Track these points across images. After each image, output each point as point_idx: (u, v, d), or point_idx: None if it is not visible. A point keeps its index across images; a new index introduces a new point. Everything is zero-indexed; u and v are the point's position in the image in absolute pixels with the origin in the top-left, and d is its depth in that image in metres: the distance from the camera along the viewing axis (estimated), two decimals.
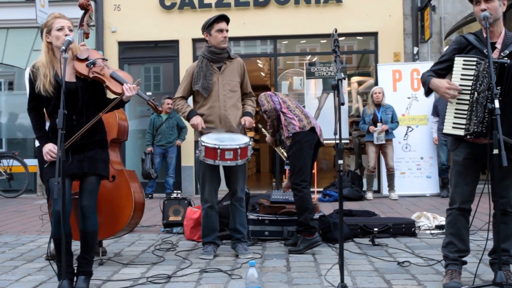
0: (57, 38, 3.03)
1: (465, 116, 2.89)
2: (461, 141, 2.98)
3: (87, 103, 3.10)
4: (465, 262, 3.08)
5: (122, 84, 3.08)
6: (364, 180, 8.12)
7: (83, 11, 4.06)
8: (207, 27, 4.08)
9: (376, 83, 8.51)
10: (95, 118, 3.09)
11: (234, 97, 4.10)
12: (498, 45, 2.95)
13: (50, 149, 3.01)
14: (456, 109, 2.92)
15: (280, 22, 8.75)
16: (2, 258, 4.13)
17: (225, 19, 4.09)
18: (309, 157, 4.16)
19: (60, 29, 3.04)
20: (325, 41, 9.45)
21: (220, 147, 3.80)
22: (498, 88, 2.78)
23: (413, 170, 8.07)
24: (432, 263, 3.60)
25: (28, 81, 3.16)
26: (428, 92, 3.12)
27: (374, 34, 8.78)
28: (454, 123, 2.92)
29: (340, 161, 2.76)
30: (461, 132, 2.91)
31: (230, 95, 4.07)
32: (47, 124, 3.18)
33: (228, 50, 4.13)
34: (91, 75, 3.06)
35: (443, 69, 3.07)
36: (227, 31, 4.08)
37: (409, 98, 8.14)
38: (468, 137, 2.91)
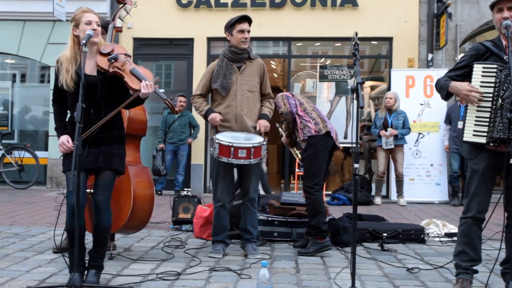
0: (84, 32, 3.00)
1: (486, 124, 2.86)
2: (481, 149, 2.94)
3: (106, 98, 3.10)
4: (476, 271, 3.06)
5: (141, 81, 3.06)
6: (373, 185, 8.10)
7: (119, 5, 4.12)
8: (229, 26, 4.09)
9: (389, 88, 8.49)
10: (112, 112, 3.06)
11: (252, 98, 4.10)
12: None
13: (63, 142, 3.03)
14: (476, 116, 2.89)
15: (296, 23, 8.75)
16: (13, 249, 4.17)
17: (248, 20, 4.10)
18: (324, 161, 4.15)
19: (88, 23, 3.04)
20: (339, 44, 9.43)
21: (234, 145, 3.82)
22: None
23: (422, 177, 8.04)
24: (438, 268, 3.58)
25: (54, 73, 3.17)
26: (447, 96, 3.10)
27: (389, 39, 8.76)
28: (475, 130, 2.88)
29: (356, 165, 2.76)
30: (483, 140, 2.87)
31: (247, 95, 4.08)
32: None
33: (248, 50, 4.14)
34: (111, 70, 3.05)
35: (460, 75, 3.04)
36: (248, 32, 4.09)
37: (421, 104, 8.11)
38: (491, 144, 2.87)
